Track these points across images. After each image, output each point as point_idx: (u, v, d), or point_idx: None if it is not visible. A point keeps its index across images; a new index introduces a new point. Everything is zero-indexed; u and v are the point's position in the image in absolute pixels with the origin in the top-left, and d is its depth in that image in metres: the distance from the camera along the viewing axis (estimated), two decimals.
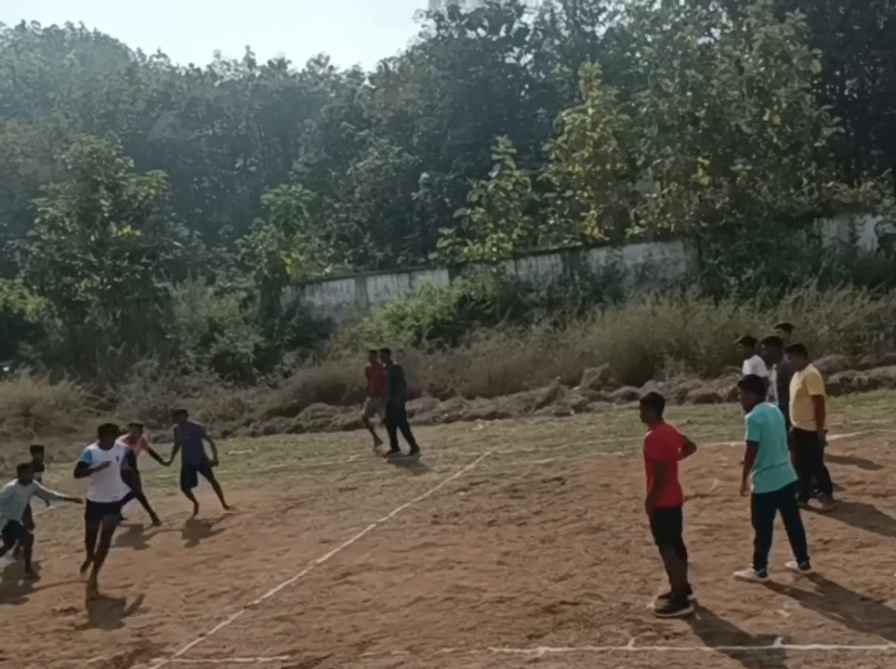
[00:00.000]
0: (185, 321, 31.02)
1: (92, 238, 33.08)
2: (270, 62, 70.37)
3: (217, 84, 69.00)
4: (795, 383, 11.58)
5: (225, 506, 15.51)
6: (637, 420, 19.03)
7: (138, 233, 33.30)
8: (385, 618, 9.77)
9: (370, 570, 11.35)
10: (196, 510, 15.61)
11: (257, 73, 69.79)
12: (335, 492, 16.00)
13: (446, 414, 22.45)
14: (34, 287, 33.44)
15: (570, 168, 29.88)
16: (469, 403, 22.79)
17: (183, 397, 26.29)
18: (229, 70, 71.27)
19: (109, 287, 32.90)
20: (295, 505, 15.27)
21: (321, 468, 18.52)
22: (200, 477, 15.83)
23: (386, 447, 18.80)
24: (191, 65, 72.17)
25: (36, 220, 33.34)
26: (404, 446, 18.40)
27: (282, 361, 27.23)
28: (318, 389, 24.96)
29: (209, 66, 71.39)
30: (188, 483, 15.79)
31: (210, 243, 49.37)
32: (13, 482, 13.64)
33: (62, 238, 32.97)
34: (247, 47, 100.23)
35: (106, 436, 12.31)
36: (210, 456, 15.99)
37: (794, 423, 11.30)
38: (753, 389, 9.74)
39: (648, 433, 9.15)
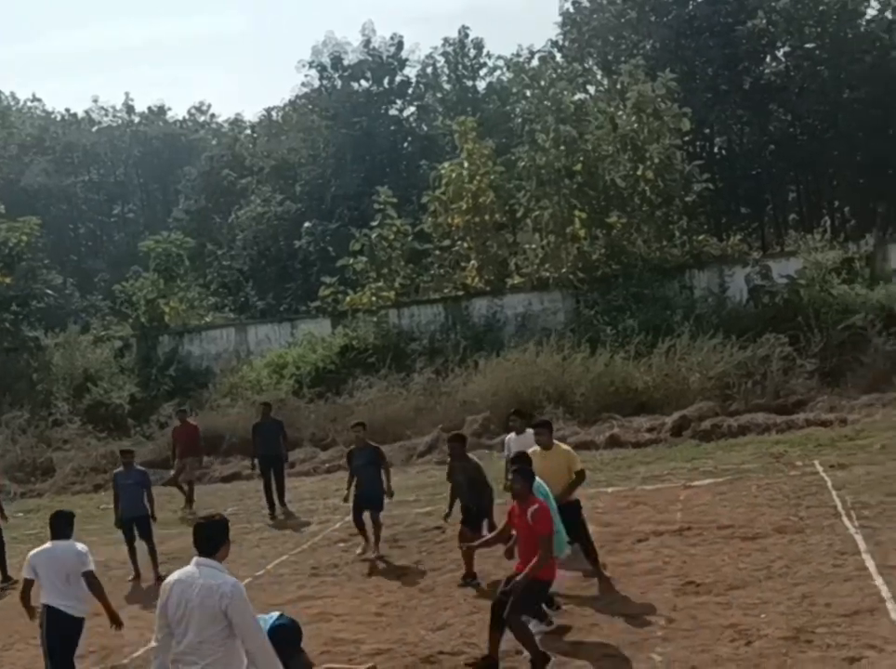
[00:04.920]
0: (58, 370, 30.04)
1: None
2: (149, 108, 69.41)
3: (94, 129, 67.65)
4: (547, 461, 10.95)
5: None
6: None
7: (8, 280, 32.16)
8: None
9: None
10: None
11: (136, 119, 68.71)
12: None
13: (327, 464, 22.25)
14: None
15: (449, 219, 30.27)
16: None
17: (54, 449, 25.41)
18: (107, 115, 69.91)
19: None
20: (168, 560, 14.82)
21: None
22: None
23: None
24: (68, 110, 70.46)
25: None
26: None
27: (158, 412, 26.59)
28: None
29: (86, 111, 69.95)
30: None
31: (85, 291, 48.15)
32: None
33: None
34: (126, 93, 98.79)
35: None
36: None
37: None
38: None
39: (536, 506, 8.85)
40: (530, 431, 11.86)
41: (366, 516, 13.66)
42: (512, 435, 12.52)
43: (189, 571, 6.40)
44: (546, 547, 8.69)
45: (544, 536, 8.70)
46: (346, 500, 14.13)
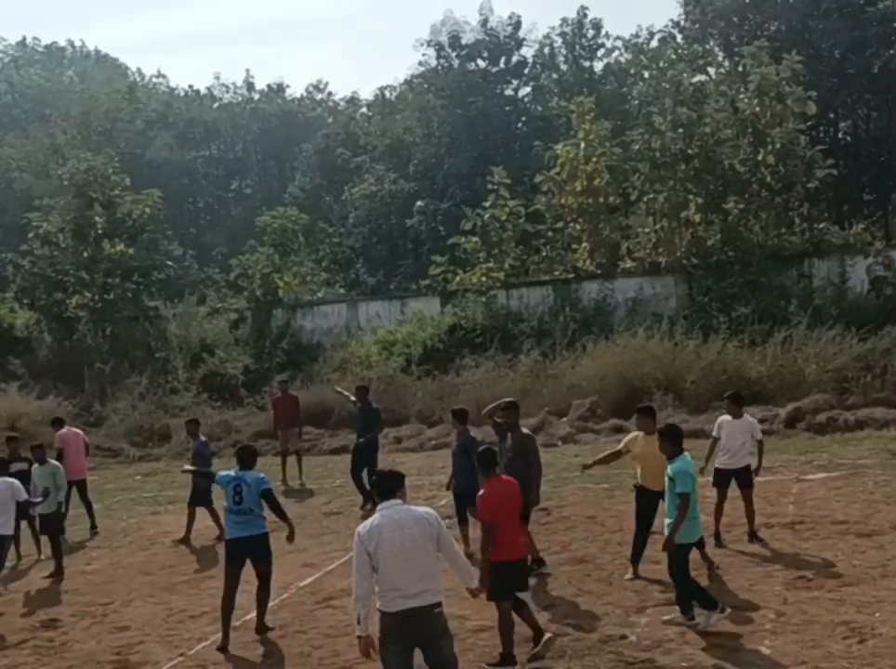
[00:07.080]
0: (175, 340, 30.96)
1: (85, 254, 33.01)
2: (269, 86, 70.66)
3: (215, 105, 69.19)
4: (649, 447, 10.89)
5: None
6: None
7: (130, 251, 33.25)
8: None
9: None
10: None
11: (256, 97, 70.02)
12: (319, 516, 15.98)
13: (434, 441, 22.45)
14: (25, 302, 33.26)
15: (562, 201, 30.04)
16: None
17: (171, 416, 26.22)
18: (227, 92, 71.48)
19: (100, 304, 32.77)
20: (278, 529, 15.15)
21: (306, 492, 18.50)
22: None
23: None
24: (191, 86, 72.37)
25: (30, 235, 33.30)
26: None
27: (270, 384, 27.19)
28: (306, 412, 24.65)
29: (208, 88, 71.60)
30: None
31: (203, 264, 49.38)
32: None
33: (55, 253, 32.89)
34: (247, 71, 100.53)
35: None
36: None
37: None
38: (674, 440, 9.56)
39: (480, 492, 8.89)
40: (747, 417, 12.30)
41: None
42: (727, 417, 12.34)
43: (387, 515, 6.97)
44: (485, 533, 8.78)
45: (482, 522, 8.86)
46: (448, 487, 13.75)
